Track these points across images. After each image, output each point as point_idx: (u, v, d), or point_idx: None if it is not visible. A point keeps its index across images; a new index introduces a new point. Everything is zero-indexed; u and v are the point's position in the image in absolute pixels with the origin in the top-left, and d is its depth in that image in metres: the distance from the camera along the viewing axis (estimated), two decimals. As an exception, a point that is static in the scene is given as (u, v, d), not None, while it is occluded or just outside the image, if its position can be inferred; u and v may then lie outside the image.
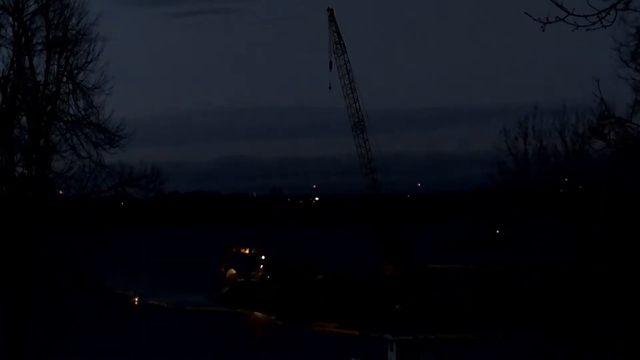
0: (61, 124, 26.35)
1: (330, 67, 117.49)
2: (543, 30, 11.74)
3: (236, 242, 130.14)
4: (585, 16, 11.09)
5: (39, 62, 26.39)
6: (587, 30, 11.16)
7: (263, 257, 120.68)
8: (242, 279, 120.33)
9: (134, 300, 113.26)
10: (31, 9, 26.13)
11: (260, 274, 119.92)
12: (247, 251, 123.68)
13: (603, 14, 10.89)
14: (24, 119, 26.07)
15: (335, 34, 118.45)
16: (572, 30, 11.66)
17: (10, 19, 25.92)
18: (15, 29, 25.82)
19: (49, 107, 26.20)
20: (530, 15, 11.66)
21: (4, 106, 25.95)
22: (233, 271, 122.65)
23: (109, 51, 25.60)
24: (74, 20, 26.29)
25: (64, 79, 26.40)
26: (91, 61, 26.24)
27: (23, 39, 25.71)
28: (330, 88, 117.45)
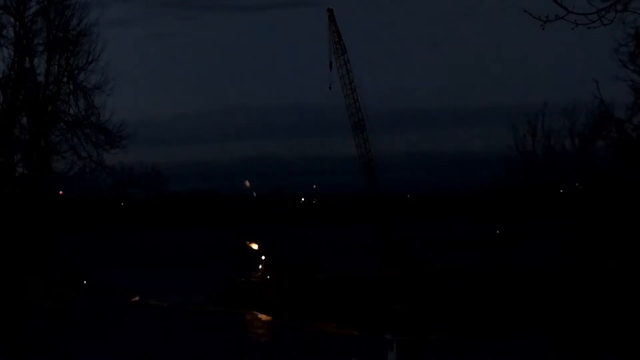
0: (62, 124, 26.32)
1: (331, 67, 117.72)
2: (543, 29, 11.78)
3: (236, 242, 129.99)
4: (585, 14, 11.12)
5: (40, 62, 26.39)
6: (588, 28, 11.19)
7: (263, 257, 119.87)
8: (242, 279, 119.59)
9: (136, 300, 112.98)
10: (32, 9, 26.11)
11: (259, 274, 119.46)
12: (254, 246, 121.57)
13: (603, 12, 10.91)
14: (24, 119, 26.04)
15: (335, 34, 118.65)
16: (572, 29, 11.71)
17: (12, 19, 25.91)
18: (17, 29, 25.80)
19: (50, 108, 26.16)
20: (530, 14, 11.70)
21: (4, 106, 25.90)
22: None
23: (109, 53, 25.64)
24: (74, 21, 26.30)
25: (65, 79, 26.38)
26: (92, 61, 26.24)
27: (24, 39, 25.68)
28: (330, 88, 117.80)
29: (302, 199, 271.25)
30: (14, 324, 24.81)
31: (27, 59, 24.59)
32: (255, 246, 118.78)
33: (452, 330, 79.33)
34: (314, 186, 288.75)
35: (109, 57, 25.51)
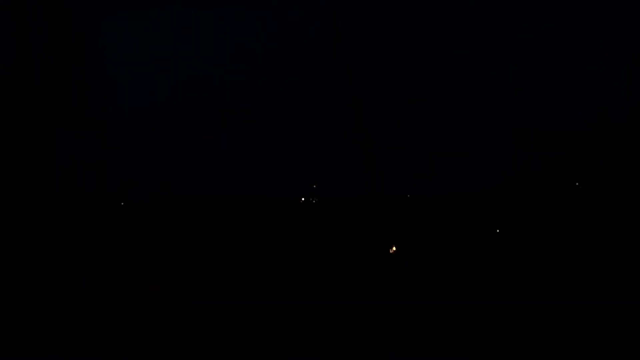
0: (61, 124, 26.40)
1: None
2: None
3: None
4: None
5: (40, 61, 26.42)
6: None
7: None
8: None
9: None
10: (32, 7, 26.16)
11: None
12: None
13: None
14: (24, 119, 26.12)
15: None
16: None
17: (11, 18, 25.95)
18: (16, 29, 25.86)
19: (49, 107, 26.24)
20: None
21: (3, 106, 25.98)
22: None
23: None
24: (75, 20, 26.33)
25: (65, 78, 26.42)
26: (92, 60, 26.24)
27: (24, 39, 25.75)
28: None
29: (302, 199, 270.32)
30: (14, 325, 24.86)
31: (27, 58, 24.64)
32: None
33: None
34: (314, 186, 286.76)
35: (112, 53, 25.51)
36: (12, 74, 21.86)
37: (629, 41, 13.66)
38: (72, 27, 21.72)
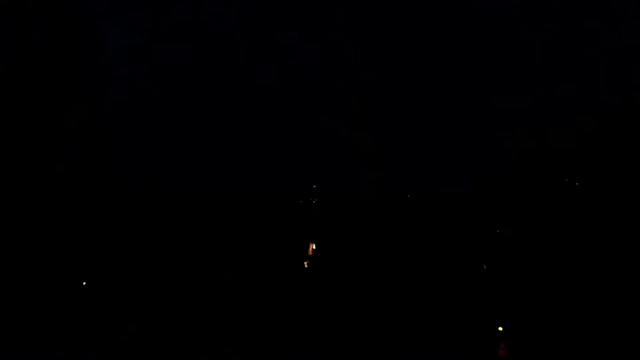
0: (61, 124, 26.33)
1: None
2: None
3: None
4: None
5: (40, 61, 26.32)
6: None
7: None
8: None
9: None
10: (32, 7, 26.06)
11: None
12: None
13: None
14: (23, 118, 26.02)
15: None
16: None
17: (11, 18, 25.85)
18: (16, 28, 25.77)
19: (49, 107, 26.15)
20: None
21: (3, 106, 25.90)
22: None
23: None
24: (75, 20, 26.24)
25: (64, 78, 26.33)
26: (92, 60, 26.16)
27: (23, 38, 25.65)
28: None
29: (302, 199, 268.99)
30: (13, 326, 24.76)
31: (26, 57, 24.55)
32: None
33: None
34: (314, 186, 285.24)
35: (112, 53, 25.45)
36: (12, 74, 21.87)
37: (628, 43, 13.60)
38: (72, 27, 21.69)
